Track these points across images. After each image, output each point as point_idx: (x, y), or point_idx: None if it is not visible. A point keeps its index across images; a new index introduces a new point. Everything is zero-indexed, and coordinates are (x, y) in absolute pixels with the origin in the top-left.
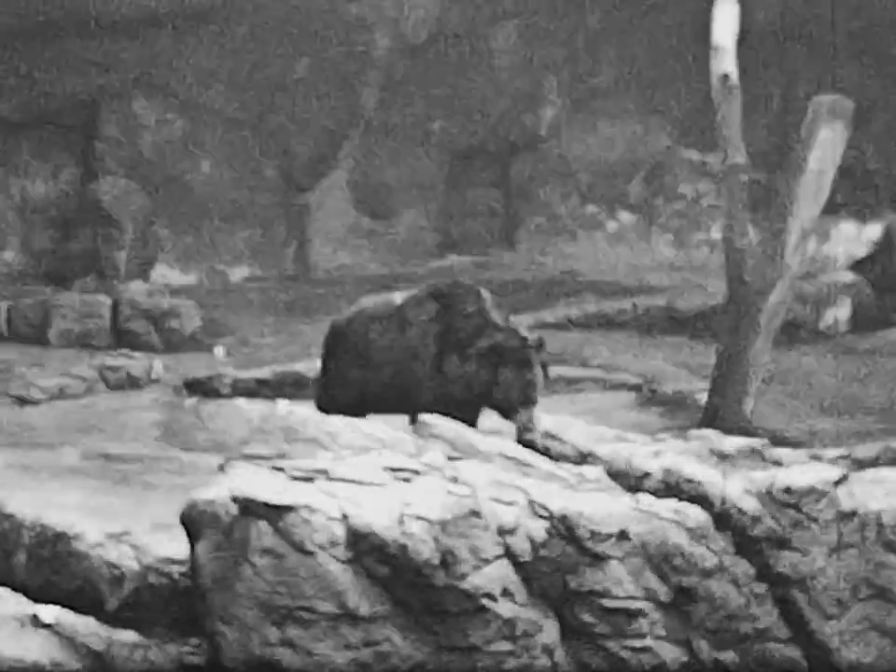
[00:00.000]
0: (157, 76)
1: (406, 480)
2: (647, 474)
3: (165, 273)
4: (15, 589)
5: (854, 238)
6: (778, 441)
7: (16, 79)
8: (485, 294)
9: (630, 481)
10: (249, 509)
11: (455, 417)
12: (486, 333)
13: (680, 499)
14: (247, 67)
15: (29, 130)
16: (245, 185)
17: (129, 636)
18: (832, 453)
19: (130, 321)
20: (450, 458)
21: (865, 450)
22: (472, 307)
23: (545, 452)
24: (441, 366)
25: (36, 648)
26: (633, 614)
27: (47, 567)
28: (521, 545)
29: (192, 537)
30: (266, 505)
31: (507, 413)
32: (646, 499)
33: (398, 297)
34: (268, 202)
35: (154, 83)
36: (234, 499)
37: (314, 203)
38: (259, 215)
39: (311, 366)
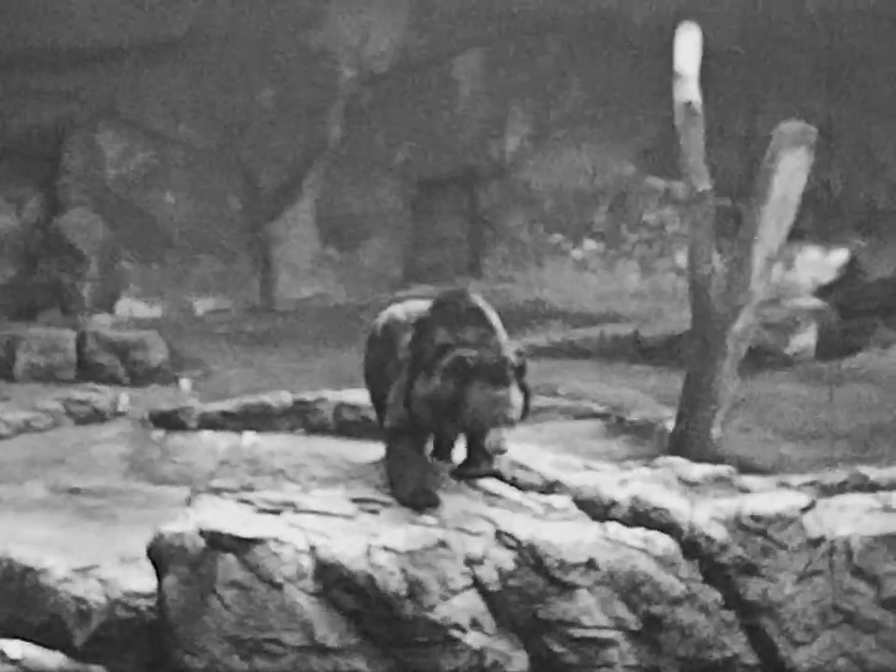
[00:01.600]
0: (121, 107)
1: (373, 511)
2: (614, 503)
3: (131, 306)
4: None
5: (819, 264)
6: (746, 468)
7: None
8: (485, 309)
9: (598, 510)
10: (216, 542)
11: (420, 440)
12: (455, 348)
13: (648, 528)
14: (212, 98)
15: None
16: (210, 216)
17: (97, 670)
18: (799, 479)
19: (95, 354)
20: None
21: (833, 476)
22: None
23: (512, 481)
24: (413, 383)
25: None
26: (602, 644)
27: (13, 602)
28: (489, 575)
29: (159, 570)
30: (233, 538)
31: (477, 435)
32: (614, 528)
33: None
34: (233, 233)
35: (119, 114)
36: (201, 532)
37: (279, 233)
38: (225, 246)
39: (277, 398)
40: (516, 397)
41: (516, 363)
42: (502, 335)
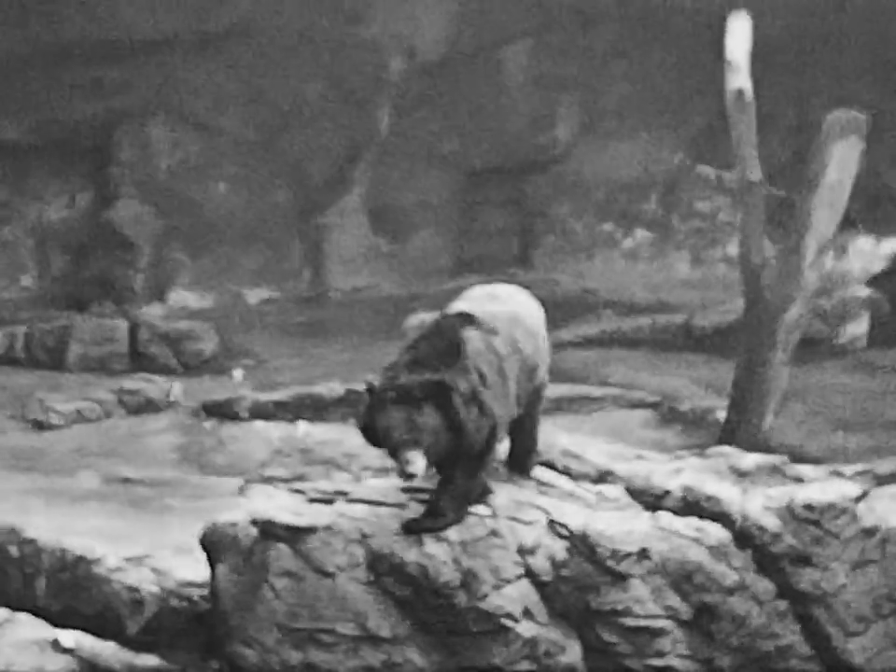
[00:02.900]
0: (171, 99)
1: (425, 501)
2: (667, 492)
3: (182, 297)
4: (35, 614)
5: (871, 253)
6: (798, 457)
7: (31, 103)
8: (465, 332)
9: (650, 499)
10: (269, 531)
11: None
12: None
13: (700, 517)
14: (261, 90)
15: (44, 154)
16: (261, 207)
17: (149, 659)
18: (852, 469)
19: (148, 344)
20: None
21: (885, 465)
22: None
23: (564, 471)
24: None
25: None
26: (655, 633)
27: (67, 592)
28: (541, 565)
29: (212, 560)
30: (286, 527)
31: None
32: (666, 518)
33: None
34: (283, 223)
35: (169, 106)
36: (254, 522)
37: (329, 224)
38: (275, 237)
39: (328, 387)
40: (427, 420)
41: (456, 387)
42: (469, 359)
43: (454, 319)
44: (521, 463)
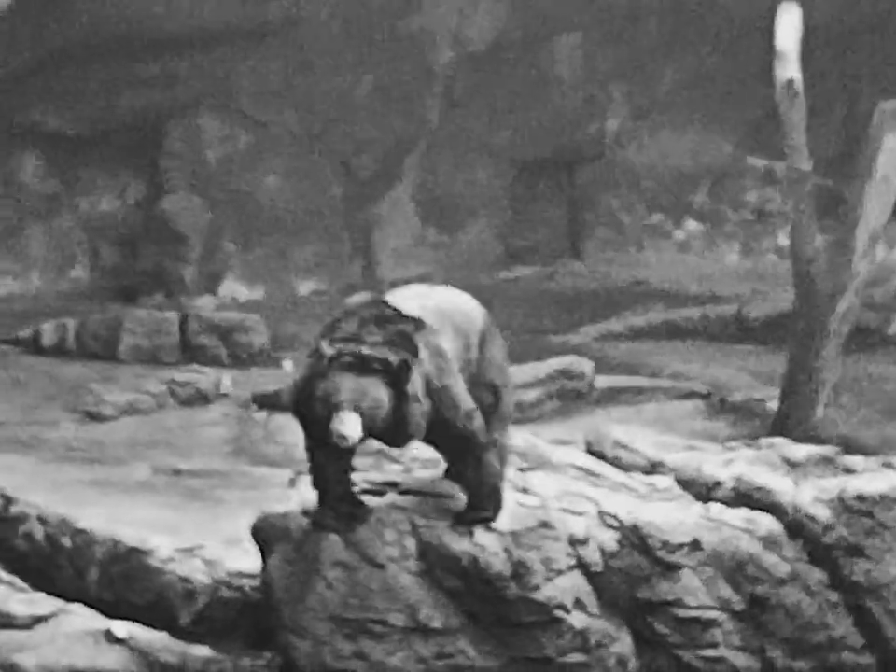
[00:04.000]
0: (221, 91)
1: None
2: (718, 483)
3: (233, 288)
4: (88, 605)
5: None
6: (850, 448)
7: (81, 96)
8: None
9: (701, 490)
10: (320, 521)
11: None
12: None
13: (752, 508)
14: (311, 82)
15: (94, 147)
16: (311, 199)
17: (202, 650)
18: None
19: (198, 336)
20: (520, 469)
21: None
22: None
23: (615, 462)
24: None
25: (110, 663)
26: (706, 624)
27: (119, 583)
28: (592, 555)
29: (264, 551)
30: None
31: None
32: (717, 508)
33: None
34: (333, 215)
35: (219, 99)
36: (305, 513)
37: (379, 215)
38: (325, 228)
39: None
40: (378, 392)
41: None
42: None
43: (401, 318)
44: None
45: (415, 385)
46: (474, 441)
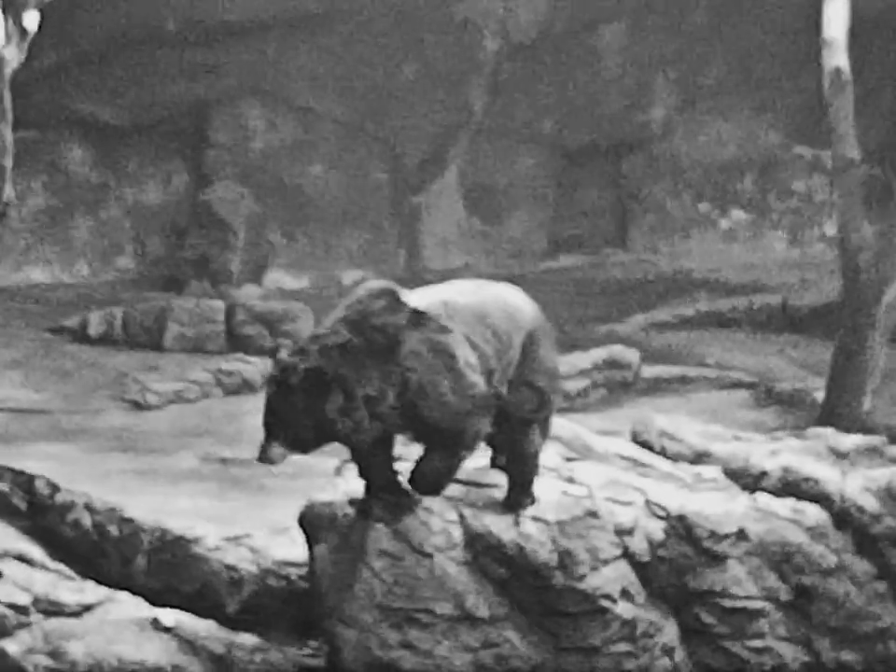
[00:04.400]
0: (266, 81)
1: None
2: (764, 473)
3: (278, 278)
4: (135, 593)
5: None
6: None
7: (128, 87)
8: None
9: (747, 480)
10: (366, 511)
11: None
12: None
13: (799, 498)
14: (355, 71)
15: (140, 136)
16: (356, 188)
17: (248, 638)
18: None
19: (244, 325)
20: (566, 459)
21: None
22: None
23: (661, 451)
24: None
25: (157, 651)
26: (753, 614)
27: (166, 571)
28: (639, 545)
29: (310, 539)
30: (384, 507)
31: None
32: (764, 498)
33: None
34: (379, 204)
35: (264, 88)
36: (351, 502)
37: (424, 204)
38: (371, 217)
39: None
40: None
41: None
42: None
43: (396, 317)
44: (508, 497)
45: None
46: (457, 440)
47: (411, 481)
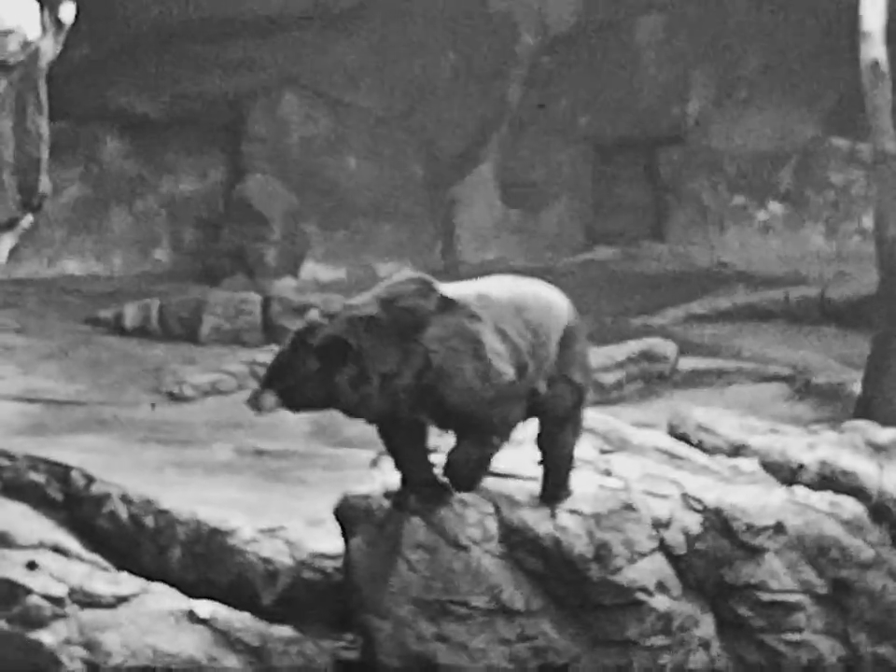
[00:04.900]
0: (303, 74)
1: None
2: (802, 466)
3: (314, 270)
4: (170, 584)
5: None
6: None
7: (164, 80)
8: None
9: (785, 473)
10: (402, 503)
11: None
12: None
13: (836, 492)
14: (392, 65)
15: (176, 129)
16: (392, 181)
17: (284, 631)
18: None
19: (280, 317)
20: (602, 452)
21: None
22: None
23: (698, 444)
24: None
25: (192, 643)
26: (790, 608)
27: (202, 563)
28: (675, 538)
29: (346, 532)
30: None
31: None
32: (801, 492)
33: None
34: (415, 197)
35: (300, 81)
36: (387, 494)
37: (461, 197)
38: (407, 210)
39: None
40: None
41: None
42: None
43: (427, 301)
44: (544, 490)
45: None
46: (485, 428)
47: (446, 473)
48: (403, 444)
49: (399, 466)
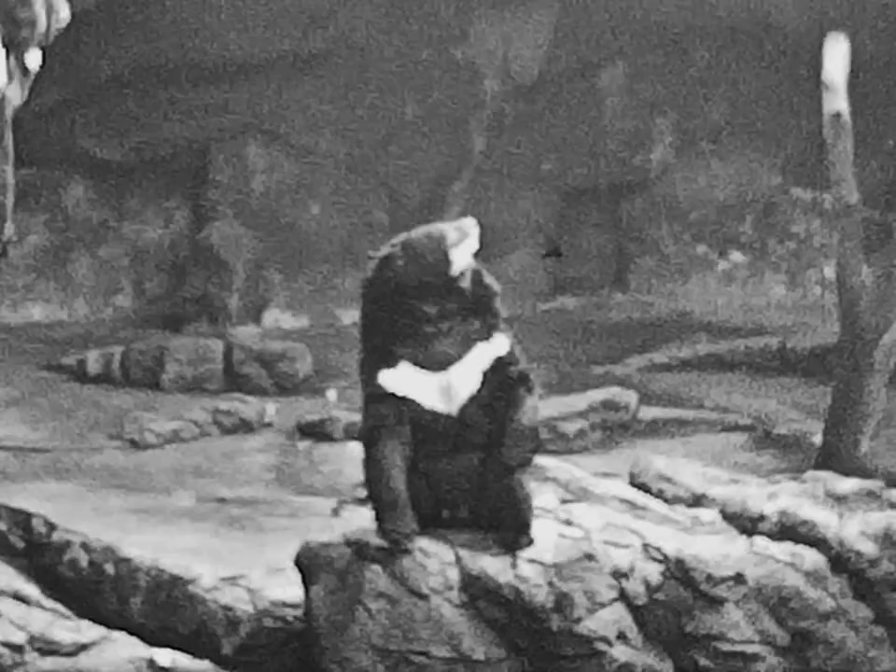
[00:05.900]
0: (267, 120)
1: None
2: (762, 517)
3: (277, 317)
4: (131, 632)
5: None
6: (895, 482)
7: (129, 124)
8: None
9: (745, 523)
10: (363, 552)
11: None
12: None
13: (797, 542)
14: (356, 111)
15: (141, 175)
16: (356, 228)
17: None
18: None
19: (242, 365)
20: (563, 501)
21: None
22: None
23: (659, 494)
24: None
25: None
26: (750, 658)
27: (163, 611)
28: (636, 588)
29: (307, 580)
30: (380, 549)
31: None
32: (761, 542)
33: None
34: (378, 244)
35: (265, 128)
36: (348, 543)
37: None
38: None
39: None
40: None
41: None
42: None
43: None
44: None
45: None
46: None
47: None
48: (394, 450)
49: (374, 490)
